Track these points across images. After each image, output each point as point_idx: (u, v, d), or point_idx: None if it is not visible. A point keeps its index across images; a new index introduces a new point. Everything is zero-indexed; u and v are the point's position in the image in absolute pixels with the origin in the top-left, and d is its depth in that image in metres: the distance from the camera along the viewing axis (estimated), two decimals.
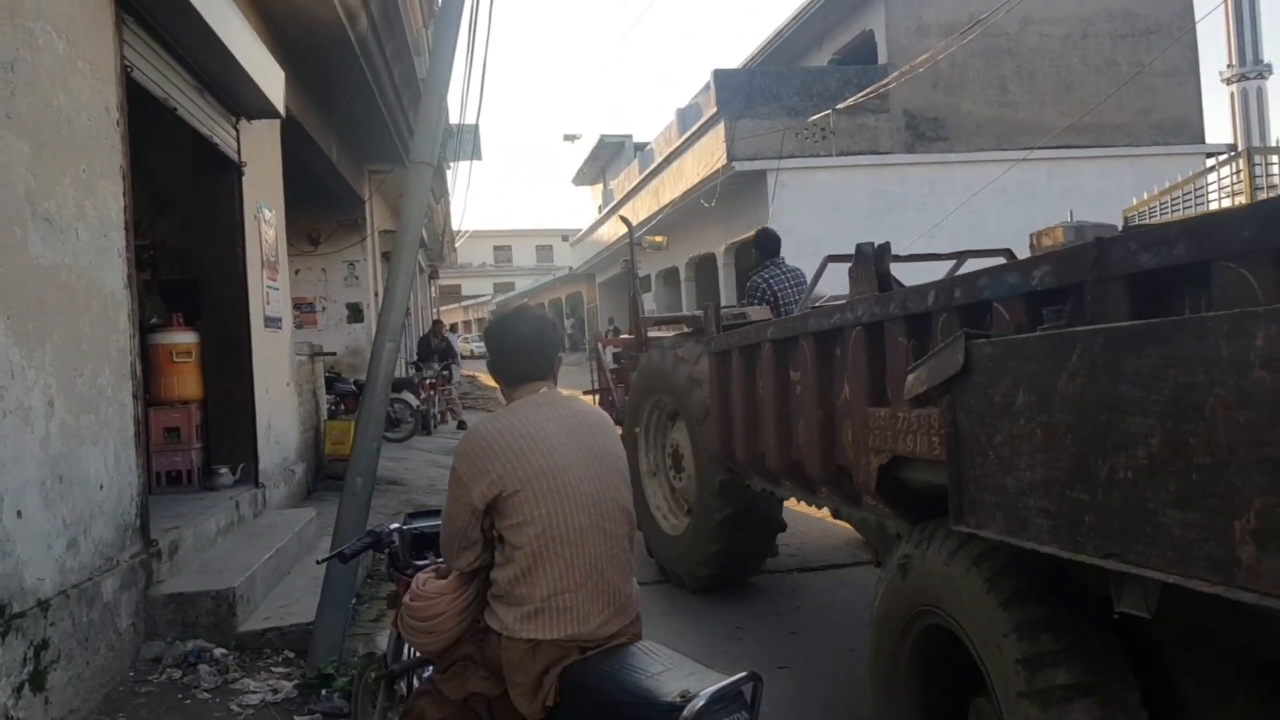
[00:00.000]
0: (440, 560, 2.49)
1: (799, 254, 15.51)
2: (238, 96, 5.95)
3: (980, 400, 2.04)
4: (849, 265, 3.35)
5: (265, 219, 6.88)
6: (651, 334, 6.81)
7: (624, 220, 10.43)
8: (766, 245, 6.28)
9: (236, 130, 6.26)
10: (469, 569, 2.27)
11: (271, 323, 6.93)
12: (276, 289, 7.16)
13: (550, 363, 2.38)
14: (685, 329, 6.15)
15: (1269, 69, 35.56)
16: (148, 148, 6.03)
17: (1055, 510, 1.78)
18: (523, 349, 2.34)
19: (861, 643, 4.44)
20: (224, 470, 6.08)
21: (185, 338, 6.15)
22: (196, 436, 6.08)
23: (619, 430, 3.15)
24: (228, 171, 6.24)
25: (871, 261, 3.16)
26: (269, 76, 5.97)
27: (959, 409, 2.12)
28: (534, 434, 2.19)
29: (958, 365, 2.11)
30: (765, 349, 3.93)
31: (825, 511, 6.50)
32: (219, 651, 4.16)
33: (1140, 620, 1.78)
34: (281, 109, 6.35)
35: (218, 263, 6.30)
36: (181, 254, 7.16)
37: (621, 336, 7.55)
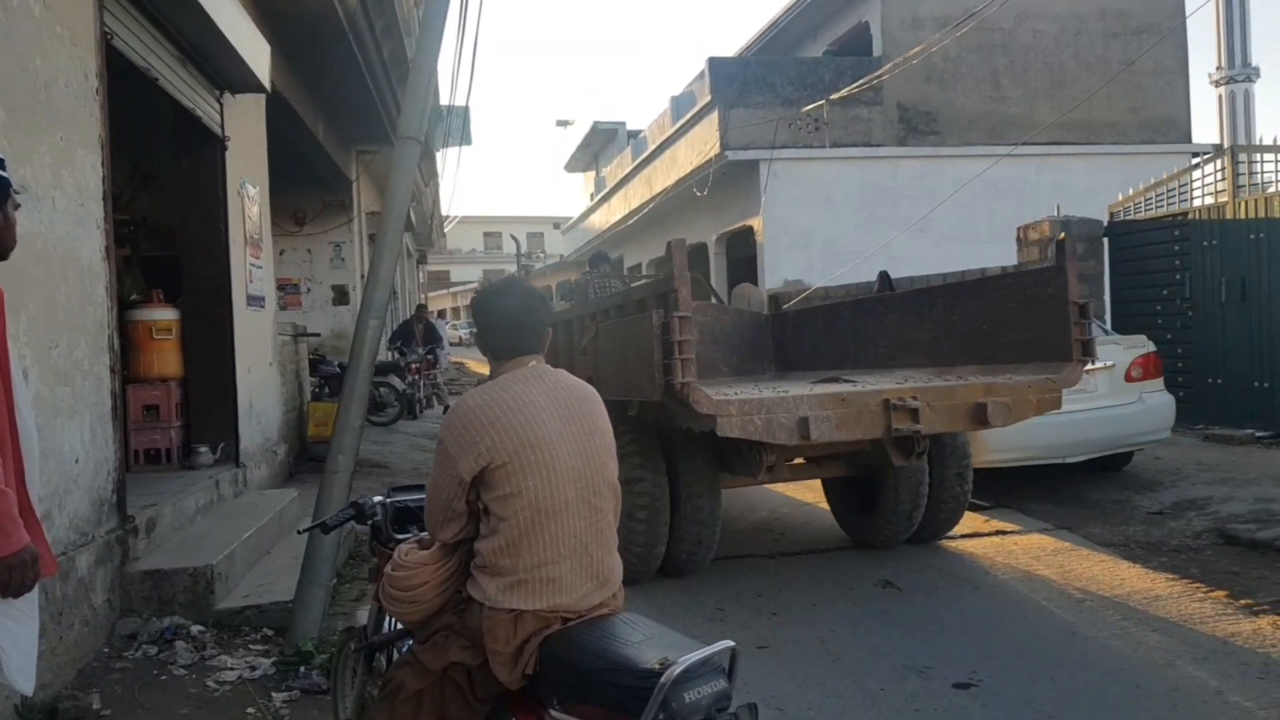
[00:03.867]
0: (423, 533, 2.46)
1: (791, 244, 15.68)
2: (222, 69, 5.86)
3: (600, 348, 5.39)
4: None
5: (249, 196, 6.79)
6: None
7: (513, 239, 12.47)
8: (595, 260, 9.16)
9: (220, 104, 6.17)
10: (453, 540, 2.24)
11: (254, 301, 6.85)
12: (260, 267, 7.08)
13: (539, 337, 2.32)
14: None
15: (1257, 72, 35.73)
16: (129, 120, 5.94)
17: (616, 382, 4.82)
18: (511, 323, 2.28)
19: (842, 625, 4.45)
20: (204, 449, 6.01)
21: (166, 314, 6.07)
22: (176, 415, 6.01)
23: None
24: (210, 146, 6.16)
25: (583, 289, 7.76)
26: (254, 50, 5.89)
27: (596, 352, 5.44)
28: (522, 407, 2.15)
29: (595, 334, 5.48)
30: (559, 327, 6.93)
31: (811, 497, 6.53)
32: (196, 629, 4.12)
33: (662, 429, 5.16)
34: (267, 84, 6.26)
35: (200, 239, 6.21)
36: (163, 230, 7.07)
37: None
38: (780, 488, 7.63)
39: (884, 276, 7.33)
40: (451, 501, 2.18)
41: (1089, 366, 6.57)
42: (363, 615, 3.91)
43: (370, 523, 2.75)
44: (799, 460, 5.57)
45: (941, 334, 5.82)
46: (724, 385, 6.03)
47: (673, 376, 4.20)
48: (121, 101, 4.91)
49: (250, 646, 4.11)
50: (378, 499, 2.76)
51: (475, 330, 2.39)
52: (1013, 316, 5.22)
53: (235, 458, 6.23)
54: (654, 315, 4.37)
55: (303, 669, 3.78)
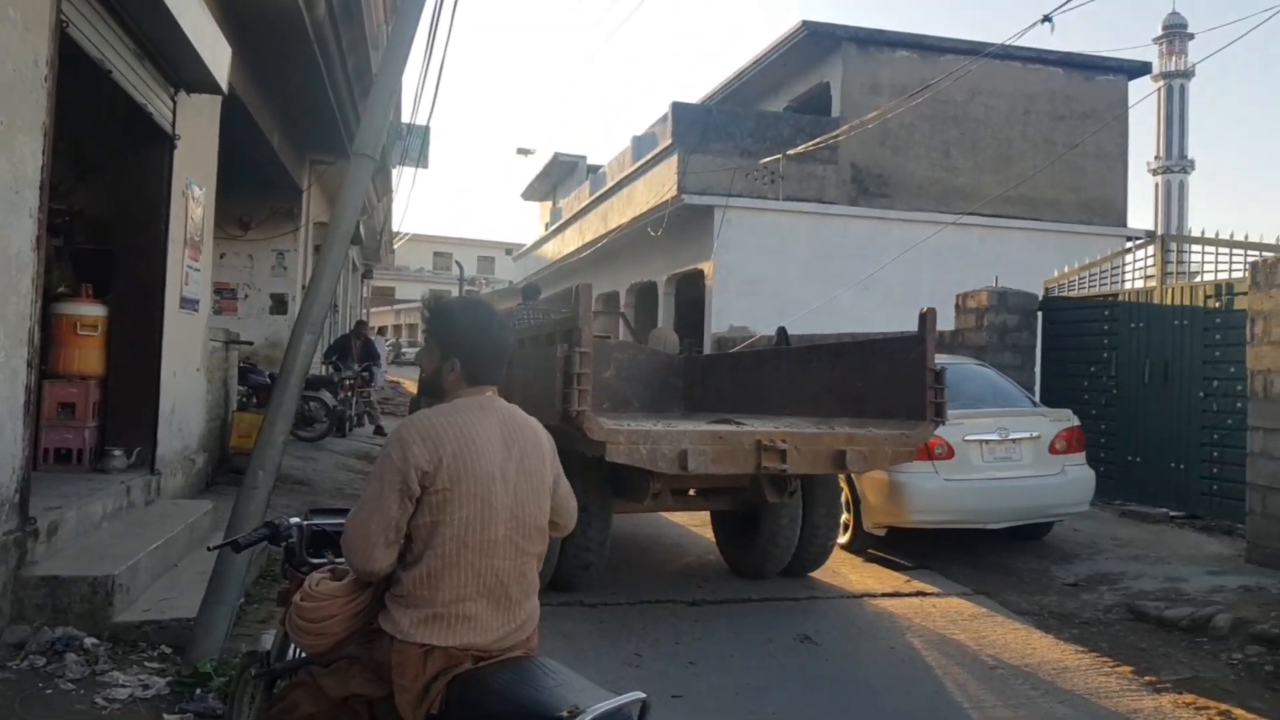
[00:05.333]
0: (338, 560, 2.39)
1: (739, 291, 15.86)
2: (179, 67, 5.76)
3: (512, 374, 4.66)
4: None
5: (194, 196, 6.64)
6: None
7: (458, 264, 13.33)
8: (528, 292, 10.10)
9: (174, 102, 6.05)
10: (384, 572, 2.12)
11: (188, 304, 6.67)
12: (198, 270, 6.91)
13: (503, 369, 2.36)
14: None
15: (1192, 165, 37.49)
16: (76, 108, 5.77)
17: (524, 406, 3.41)
18: (498, 356, 2.31)
19: (759, 678, 4.44)
20: (118, 453, 5.79)
21: (93, 310, 5.87)
22: (93, 415, 5.79)
23: None
24: (159, 143, 6.02)
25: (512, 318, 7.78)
26: (215, 50, 5.80)
27: (509, 377, 5.56)
28: (473, 436, 2.14)
29: (510, 360, 5.36)
30: None
31: None
32: (90, 641, 3.93)
33: (561, 453, 4.27)
34: (225, 85, 6.17)
35: (137, 236, 6.04)
36: (99, 223, 6.86)
37: None
38: (709, 533, 7.63)
39: (781, 332, 8.04)
40: (398, 520, 2.07)
41: (1015, 436, 6.89)
42: (268, 639, 3.76)
43: (284, 544, 2.67)
44: (691, 492, 6.08)
45: (824, 388, 6.43)
46: (629, 419, 6.36)
47: (570, 404, 4.70)
48: (70, 89, 4.77)
49: (146, 664, 3.93)
50: (295, 520, 2.68)
51: (449, 342, 2.26)
52: (882, 377, 5.83)
53: (151, 464, 6.01)
54: (559, 348, 4.91)
55: (199, 691, 3.62)
